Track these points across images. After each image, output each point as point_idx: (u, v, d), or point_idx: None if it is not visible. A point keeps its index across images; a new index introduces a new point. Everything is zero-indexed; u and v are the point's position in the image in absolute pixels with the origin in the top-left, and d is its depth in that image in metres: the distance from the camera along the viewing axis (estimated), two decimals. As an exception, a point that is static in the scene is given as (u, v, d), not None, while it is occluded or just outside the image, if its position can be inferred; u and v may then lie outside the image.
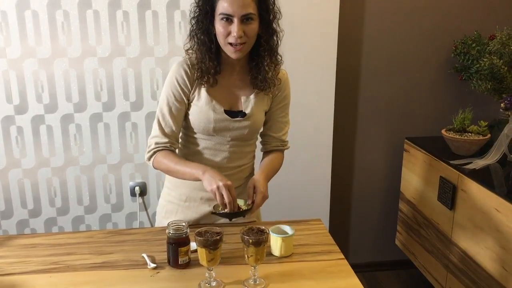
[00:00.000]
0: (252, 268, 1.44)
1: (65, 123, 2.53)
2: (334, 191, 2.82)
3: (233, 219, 1.58)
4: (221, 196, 1.49)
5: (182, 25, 2.50)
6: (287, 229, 1.64)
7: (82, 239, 1.72)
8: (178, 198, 1.79)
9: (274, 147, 1.80)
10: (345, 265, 1.57)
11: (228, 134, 1.70)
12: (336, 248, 1.67)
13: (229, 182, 1.50)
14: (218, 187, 1.49)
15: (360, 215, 3.04)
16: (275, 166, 1.77)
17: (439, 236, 2.43)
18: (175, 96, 1.65)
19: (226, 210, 1.53)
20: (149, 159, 1.67)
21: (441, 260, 2.42)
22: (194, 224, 1.80)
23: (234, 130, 1.69)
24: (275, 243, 1.58)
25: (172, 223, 1.53)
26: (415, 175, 2.66)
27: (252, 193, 1.58)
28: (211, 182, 1.51)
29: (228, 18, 1.53)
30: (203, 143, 1.71)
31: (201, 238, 1.39)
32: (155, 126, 1.66)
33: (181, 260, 1.51)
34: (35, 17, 2.39)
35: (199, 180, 1.56)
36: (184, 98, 1.65)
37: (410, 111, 2.92)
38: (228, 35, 1.54)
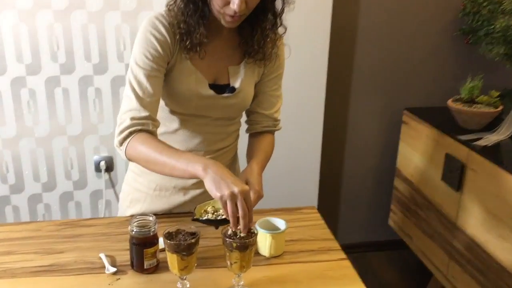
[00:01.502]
0: (236, 276, 1.16)
1: (16, 87, 2.17)
2: (324, 166, 2.54)
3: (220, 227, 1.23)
4: (234, 207, 1.09)
5: (153, -26, 2.13)
6: (278, 223, 1.35)
7: (27, 233, 1.41)
8: (146, 186, 1.48)
9: (265, 127, 1.48)
10: (348, 267, 1.29)
11: (211, 113, 1.38)
12: (336, 244, 1.40)
13: (246, 188, 1.10)
14: (231, 194, 1.08)
15: (351, 192, 2.78)
16: (268, 153, 1.44)
17: (442, 219, 2.19)
18: (153, 57, 1.26)
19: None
20: (121, 143, 1.26)
21: (443, 246, 2.19)
22: (164, 214, 1.50)
23: (219, 108, 1.37)
24: (264, 241, 1.30)
25: (135, 218, 1.23)
26: (415, 150, 2.40)
27: None
28: (221, 185, 1.09)
29: None
30: (178, 123, 1.39)
31: (172, 242, 1.09)
32: (128, 96, 1.28)
33: (147, 263, 1.22)
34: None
35: (197, 178, 1.16)
36: (165, 60, 1.29)
37: (410, 78, 2.62)
38: (226, 4, 1.21)
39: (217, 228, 1.22)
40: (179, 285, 1.14)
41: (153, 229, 1.22)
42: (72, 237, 1.40)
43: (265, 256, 1.31)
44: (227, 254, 1.12)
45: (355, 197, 2.80)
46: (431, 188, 2.27)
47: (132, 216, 1.23)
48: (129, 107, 1.27)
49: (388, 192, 2.75)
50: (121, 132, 1.25)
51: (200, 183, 1.47)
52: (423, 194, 2.34)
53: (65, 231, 1.43)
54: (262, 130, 1.48)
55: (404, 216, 2.53)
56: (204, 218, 1.20)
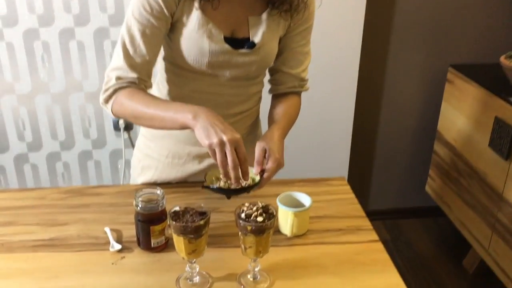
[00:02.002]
0: (252, 260, 1.02)
1: (29, 39, 2.04)
2: (357, 127, 2.35)
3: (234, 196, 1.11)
4: (223, 156, 1.00)
5: None
6: (302, 198, 1.20)
7: (30, 201, 1.31)
8: (158, 152, 1.34)
9: (290, 88, 1.31)
10: (380, 251, 1.14)
11: (229, 72, 1.21)
12: (367, 223, 1.24)
13: (237, 136, 1.00)
14: (220, 142, 0.99)
15: (385, 155, 2.59)
16: (292, 117, 1.28)
17: (487, 190, 1.99)
18: (152, 9, 1.11)
19: (228, 183, 1.06)
20: (106, 101, 1.16)
21: (486, 218, 2.00)
22: (178, 183, 1.37)
23: (237, 66, 1.20)
24: (285, 219, 1.15)
25: (140, 192, 1.10)
26: (460, 112, 2.17)
27: (261, 158, 1.11)
28: (210, 132, 0.99)
29: None
30: (191, 83, 1.23)
31: (177, 224, 0.95)
32: (117, 53, 1.15)
33: (154, 242, 1.10)
34: None
35: (188, 128, 1.06)
36: (167, 12, 1.13)
37: (457, 30, 2.35)
38: None
39: (229, 198, 1.10)
40: (187, 269, 1.02)
41: (160, 204, 1.09)
42: (77, 207, 1.28)
43: (286, 236, 1.17)
44: (241, 237, 0.99)
45: (389, 160, 2.61)
46: (476, 154, 2.06)
47: (138, 188, 1.10)
48: (116, 65, 1.14)
49: (427, 156, 2.55)
50: (106, 90, 1.15)
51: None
52: (466, 160, 2.13)
53: (71, 200, 1.32)
54: (287, 91, 1.31)
55: (443, 183, 2.34)
56: (215, 187, 1.06)
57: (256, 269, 1.03)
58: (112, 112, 1.16)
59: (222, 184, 1.08)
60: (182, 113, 1.05)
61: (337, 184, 1.42)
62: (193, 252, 0.98)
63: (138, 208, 1.08)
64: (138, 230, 1.10)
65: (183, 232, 0.95)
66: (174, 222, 0.95)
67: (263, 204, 1.01)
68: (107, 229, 1.18)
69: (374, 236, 1.19)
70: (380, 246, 1.16)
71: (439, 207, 2.41)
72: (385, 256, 1.12)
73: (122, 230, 1.19)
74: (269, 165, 1.09)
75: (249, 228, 0.95)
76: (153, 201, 1.08)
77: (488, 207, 1.99)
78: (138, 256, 1.11)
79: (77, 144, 2.25)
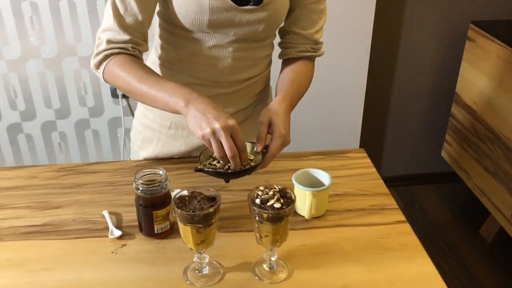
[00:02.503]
0: (267, 249, 0.91)
1: (16, 0, 1.87)
2: (370, 89, 2.21)
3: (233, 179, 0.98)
4: (220, 146, 0.89)
5: None
6: (320, 175, 1.08)
7: (20, 181, 1.19)
8: (158, 123, 1.22)
9: (302, 52, 1.16)
10: (408, 233, 1.03)
11: (233, 32, 1.06)
12: (392, 201, 1.13)
13: (231, 122, 0.89)
14: (213, 132, 0.88)
15: (399, 119, 2.46)
16: (301, 86, 1.13)
17: (510, 156, 1.87)
18: None
19: (225, 168, 0.94)
20: (97, 66, 1.03)
21: (509, 185, 1.89)
22: (182, 158, 1.25)
23: (242, 25, 1.06)
24: (303, 200, 1.03)
25: (140, 173, 0.98)
26: (481, 73, 2.03)
27: (265, 133, 0.97)
28: (202, 122, 0.89)
29: None
30: (191, 46, 1.09)
31: (184, 212, 0.83)
32: (107, 11, 1.01)
33: (157, 227, 0.99)
34: None
35: (180, 113, 0.95)
36: None
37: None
38: None
39: (227, 182, 0.97)
40: (196, 259, 0.91)
41: (163, 186, 0.97)
42: (72, 187, 1.17)
43: (303, 217, 1.05)
44: (256, 225, 0.87)
45: (404, 124, 2.48)
46: (500, 119, 1.93)
47: (138, 166, 0.97)
48: (106, 26, 1.02)
49: (443, 120, 2.42)
50: (97, 54, 1.03)
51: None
52: (488, 125, 2.00)
53: (65, 178, 1.20)
54: (298, 56, 1.16)
55: (461, 148, 2.22)
56: (210, 169, 0.93)
57: (273, 259, 0.92)
58: (104, 80, 1.04)
59: (219, 165, 0.95)
60: (174, 98, 0.93)
61: (356, 156, 1.30)
62: (202, 243, 0.87)
63: (139, 191, 0.96)
64: (139, 215, 0.99)
65: (190, 221, 0.83)
66: (179, 210, 0.83)
67: (279, 187, 0.89)
68: (105, 213, 1.07)
69: (401, 216, 1.08)
70: (408, 228, 1.04)
71: (455, 173, 2.30)
72: (414, 239, 1.01)
73: (122, 214, 1.08)
74: (273, 142, 0.95)
75: (265, 216, 0.84)
76: (155, 183, 0.96)
77: (511, 174, 1.88)
78: (140, 244, 1.00)
79: (73, 113, 2.12)
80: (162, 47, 1.13)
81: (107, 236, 1.01)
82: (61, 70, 2.02)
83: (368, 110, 2.28)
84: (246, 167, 0.93)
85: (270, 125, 0.97)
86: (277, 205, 0.84)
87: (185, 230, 0.86)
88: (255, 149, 0.96)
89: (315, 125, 2.17)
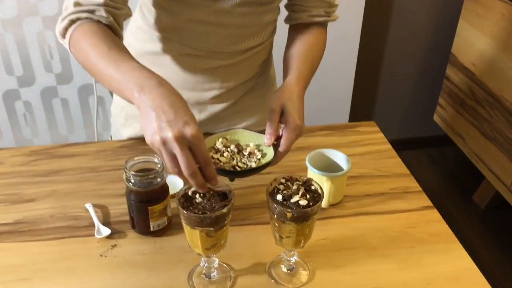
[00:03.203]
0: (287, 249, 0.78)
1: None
2: (362, 49, 2.06)
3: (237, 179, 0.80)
4: (173, 160, 0.66)
5: None
6: (335, 156, 0.95)
7: (-16, 168, 1.02)
8: (145, 98, 1.04)
9: (314, 17, 0.98)
10: (437, 221, 0.92)
11: None
12: (414, 183, 1.01)
13: (189, 130, 0.65)
14: (163, 142, 0.65)
15: (391, 80, 2.34)
16: (315, 61, 0.96)
17: (511, 120, 1.78)
18: None
19: (232, 163, 0.77)
20: (62, 34, 0.83)
21: (509, 152, 1.81)
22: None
23: None
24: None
25: (131, 161, 0.82)
26: (482, 32, 1.90)
27: (277, 123, 0.80)
28: (151, 124, 0.66)
29: None
30: (186, 11, 0.91)
31: (191, 214, 0.69)
32: None
33: (154, 224, 0.84)
34: None
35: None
36: None
37: None
38: None
39: (232, 180, 0.79)
40: (203, 263, 0.77)
41: (160, 178, 0.82)
42: (46, 174, 1.00)
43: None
44: (275, 224, 0.73)
45: (395, 86, 2.35)
46: (501, 82, 1.82)
47: (124, 148, 0.82)
48: None
49: (437, 82, 2.30)
50: (62, 20, 0.82)
51: (222, 96, 1.05)
52: (488, 88, 1.90)
53: (37, 164, 1.03)
54: (309, 21, 0.99)
55: (456, 112, 2.12)
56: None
57: (292, 260, 0.79)
58: (71, 52, 0.83)
59: (223, 159, 0.78)
60: (128, 83, 0.71)
61: (367, 130, 1.17)
62: (213, 247, 0.73)
63: (130, 184, 0.80)
64: (131, 211, 0.84)
65: (199, 224, 0.69)
66: (186, 212, 0.69)
67: (303, 178, 0.75)
68: (89, 207, 0.91)
69: (427, 200, 0.96)
70: (436, 214, 0.93)
71: (447, 138, 2.22)
72: (445, 228, 0.90)
73: (108, 207, 0.92)
74: (287, 134, 0.78)
75: (289, 215, 0.70)
76: (150, 174, 0.80)
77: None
78: (133, 243, 0.85)
79: (38, 80, 1.91)
80: (150, 11, 0.95)
81: (94, 235, 0.86)
82: (23, 32, 1.79)
83: (360, 72, 2.14)
84: (254, 165, 0.77)
85: (283, 114, 0.80)
86: (303, 201, 0.70)
87: (192, 234, 0.71)
88: (265, 142, 0.80)
89: (308, 87, 2.02)
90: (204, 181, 0.68)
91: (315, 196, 0.72)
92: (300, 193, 0.71)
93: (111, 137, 1.20)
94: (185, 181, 0.70)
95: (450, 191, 2.25)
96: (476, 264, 0.82)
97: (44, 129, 2.02)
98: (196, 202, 0.71)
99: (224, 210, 0.69)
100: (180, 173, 0.67)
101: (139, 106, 0.69)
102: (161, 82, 0.69)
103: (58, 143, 2.04)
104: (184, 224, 0.71)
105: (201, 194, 0.71)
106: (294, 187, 0.72)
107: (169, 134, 0.64)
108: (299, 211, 0.70)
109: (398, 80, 2.34)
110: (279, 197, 0.71)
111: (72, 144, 1.09)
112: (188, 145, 0.65)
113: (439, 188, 2.28)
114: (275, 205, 0.70)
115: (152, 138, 0.66)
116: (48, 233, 0.86)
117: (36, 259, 0.81)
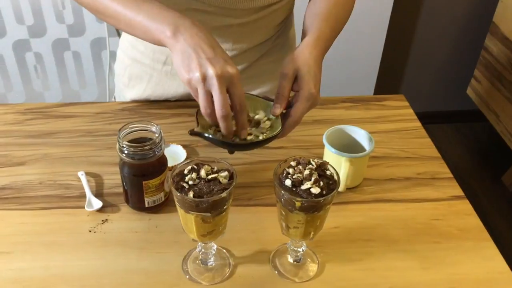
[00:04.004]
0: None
1: None
2: (395, 13, 1.90)
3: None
4: (208, 100, 0.63)
5: None
6: (356, 134, 0.84)
7: (-26, 125, 0.94)
8: (150, 57, 0.95)
9: None
10: (469, 214, 0.81)
11: None
12: (445, 169, 0.90)
13: (231, 70, 0.62)
14: (204, 78, 0.62)
15: (423, 48, 2.17)
16: (339, 21, 0.83)
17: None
18: None
19: (219, 134, 0.68)
20: None
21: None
22: (180, 101, 1.00)
23: None
24: (337, 168, 0.79)
25: (125, 130, 0.73)
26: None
27: (288, 90, 0.70)
28: (191, 61, 0.63)
29: None
30: None
31: (185, 197, 0.59)
32: None
33: (149, 200, 0.76)
34: None
35: (163, 45, 0.68)
36: None
37: None
38: None
39: (232, 153, 0.72)
40: (199, 248, 0.69)
41: (157, 149, 0.72)
42: (40, 135, 0.92)
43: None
44: (282, 212, 0.64)
45: (427, 55, 2.19)
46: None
47: (120, 129, 0.72)
48: None
49: (474, 52, 2.14)
50: None
51: (233, 59, 0.94)
52: (530, 62, 1.74)
53: (31, 124, 0.95)
54: None
55: (492, 86, 1.96)
56: (209, 135, 0.66)
57: (300, 250, 0.70)
58: None
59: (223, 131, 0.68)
60: (158, 24, 0.67)
61: (395, 105, 1.05)
62: (210, 234, 0.64)
63: (124, 155, 0.72)
64: (125, 185, 0.76)
65: (194, 208, 0.60)
66: (179, 194, 0.60)
67: (317, 161, 0.65)
68: (81, 175, 0.83)
69: (457, 189, 0.85)
70: (467, 206, 0.82)
71: (479, 113, 2.07)
72: (477, 223, 0.79)
73: (102, 176, 0.84)
74: (299, 103, 0.69)
75: (298, 204, 0.60)
76: (146, 145, 0.71)
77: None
78: (126, 219, 0.77)
79: (50, 31, 1.81)
80: None
81: (84, 208, 0.78)
82: (33, -21, 1.69)
83: (390, 38, 1.99)
84: (260, 137, 0.68)
85: (295, 80, 0.70)
86: (315, 189, 0.60)
87: (186, 218, 0.62)
88: (272, 112, 0.70)
89: (331, 53, 1.89)
90: (232, 127, 0.65)
91: (330, 184, 0.62)
92: (313, 179, 0.61)
93: (114, 98, 1.11)
94: (213, 122, 0.65)
95: (477, 170, 2.12)
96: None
97: (55, 83, 1.94)
98: (192, 182, 0.61)
99: (224, 195, 0.59)
100: (211, 115, 0.64)
101: (173, 46, 0.65)
102: (194, 23, 0.67)
103: (69, 98, 1.98)
104: (178, 207, 0.63)
105: (199, 174, 0.62)
106: (306, 171, 0.62)
107: (210, 71, 0.62)
108: (310, 200, 0.60)
109: (432, 48, 2.17)
110: (288, 182, 0.61)
111: (70, 103, 1.01)
112: (227, 84, 0.62)
113: (466, 166, 2.15)
114: (282, 192, 0.61)
115: (191, 74, 0.63)
116: (34, 202, 0.79)
117: (18, 230, 0.74)
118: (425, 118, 2.35)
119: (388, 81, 2.21)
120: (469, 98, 2.13)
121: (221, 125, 0.64)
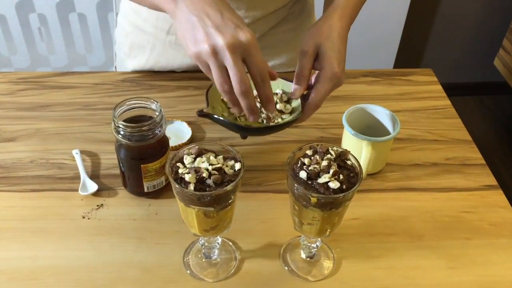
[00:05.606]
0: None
1: None
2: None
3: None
4: (223, 74, 0.53)
5: None
6: (379, 114, 0.76)
7: (-37, 95, 0.87)
8: (153, 24, 0.87)
9: None
10: (503, 207, 0.73)
11: None
12: (477, 154, 0.81)
13: (244, 36, 0.52)
14: (214, 50, 0.52)
15: (449, 14, 2.04)
16: None
17: None
18: None
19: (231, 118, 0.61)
20: None
21: None
22: (186, 72, 0.92)
23: None
24: (357, 152, 0.71)
25: (121, 106, 0.65)
26: None
27: (309, 69, 0.61)
28: (197, 31, 0.53)
29: None
30: None
31: (185, 191, 0.52)
32: None
33: (148, 185, 0.68)
34: None
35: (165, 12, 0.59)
36: None
37: None
38: None
39: (244, 138, 0.64)
40: (202, 241, 0.62)
41: (158, 130, 0.65)
42: (33, 108, 0.85)
43: (355, 175, 0.75)
44: (295, 207, 0.56)
45: (453, 21, 2.06)
46: None
47: (115, 107, 0.64)
48: None
49: (504, 21, 2.00)
50: None
51: (249, 25, 0.85)
52: None
53: (25, 94, 0.87)
54: None
55: (522, 57, 1.84)
56: (219, 117, 0.58)
57: (314, 245, 0.63)
58: None
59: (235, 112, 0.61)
60: None
61: (422, 80, 0.96)
62: (213, 229, 0.57)
63: (120, 136, 0.64)
64: (122, 167, 0.68)
65: (195, 202, 0.53)
66: (178, 186, 0.52)
67: (336, 149, 0.56)
68: (76, 153, 0.76)
69: (491, 178, 0.77)
70: (502, 197, 0.74)
71: (505, 85, 1.95)
72: (510, 214, 0.71)
73: (99, 154, 0.77)
74: (321, 84, 0.60)
75: (313, 200, 0.52)
76: (144, 125, 0.64)
77: None
78: (123, 205, 0.70)
79: (54, -8, 1.72)
80: None
81: (77, 191, 0.71)
82: None
83: (415, 3, 1.86)
84: (278, 121, 0.60)
85: (317, 57, 0.61)
86: (334, 184, 0.52)
87: (187, 212, 0.55)
88: (291, 94, 0.62)
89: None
90: (255, 103, 0.55)
91: (351, 176, 0.54)
92: (331, 171, 0.53)
93: (115, 68, 1.03)
94: (234, 102, 0.55)
95: (500, 145, 2.02)
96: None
97: (60, 47, 1.86)
98: (192, 172, 0.54)
99: (229, 188, 0.52)
100: (230, 92, 0.54)
101: (174, 13, 0.57)
102: None
103: (75, 63, 1.90)
104: (178, 200, 0.55)
105: (201, 163, 0.54)
106: (324, 162, 0.54)
107: (219, 41, 0.52)
108: (328, 197, 0.52)
109: (458, 15, 2.04)
110: (303, 174, 0.54)
111: (67, 72, 0.93)
112: (241, 54, 0.52)
113: (488, 140, 2.05)
114: (296, 185, 0.53)
115: (198, 48, 0.53)
116: (24, 183, 0.72)
117: (5, 215, 0.68)
118: (448, 90, 2.25)
119: (410, 50, 2.09)
120: (495, 69, 2.01)
121: (242, 103, 0.54)
